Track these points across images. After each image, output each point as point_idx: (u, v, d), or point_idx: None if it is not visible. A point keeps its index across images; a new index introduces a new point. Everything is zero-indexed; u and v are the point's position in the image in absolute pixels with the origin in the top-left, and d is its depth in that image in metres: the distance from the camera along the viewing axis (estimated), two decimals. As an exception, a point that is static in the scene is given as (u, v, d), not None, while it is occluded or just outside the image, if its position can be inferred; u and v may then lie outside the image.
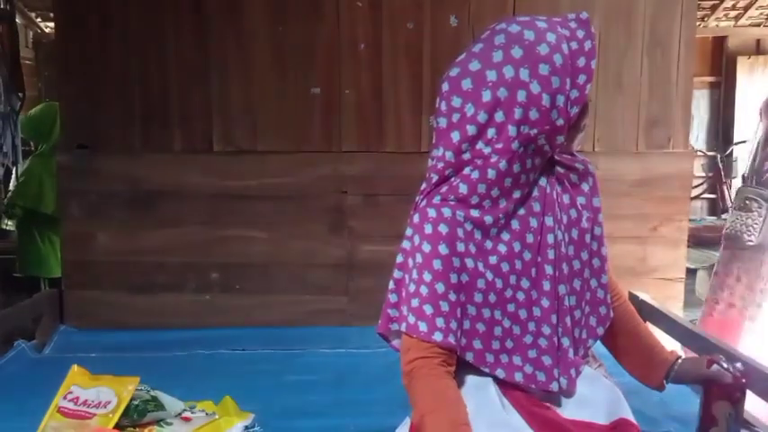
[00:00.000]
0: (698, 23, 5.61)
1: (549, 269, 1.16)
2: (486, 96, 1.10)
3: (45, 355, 2.18)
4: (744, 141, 6.62)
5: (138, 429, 1.49)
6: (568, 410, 1.16)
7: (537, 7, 2.34)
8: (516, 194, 1.14)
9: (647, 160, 2.41)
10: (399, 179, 2.38)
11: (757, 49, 6.91)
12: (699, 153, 6.74)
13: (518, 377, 1.15)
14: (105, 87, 2.38)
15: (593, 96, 2.38)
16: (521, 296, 1.15)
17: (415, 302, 1.12)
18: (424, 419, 1.05)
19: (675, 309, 2.39)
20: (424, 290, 1.11)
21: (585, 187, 1.26)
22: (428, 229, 1.12)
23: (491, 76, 1.10)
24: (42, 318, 2.34)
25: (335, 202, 2.40)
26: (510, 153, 1.10)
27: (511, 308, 1.15)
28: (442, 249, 1.10)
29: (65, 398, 1.49)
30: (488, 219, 1.13)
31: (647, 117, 2.41)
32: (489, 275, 1.13)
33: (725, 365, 1.26)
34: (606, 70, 2.38)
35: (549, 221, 1.17)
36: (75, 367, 1.57)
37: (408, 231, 1.17)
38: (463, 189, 1.12)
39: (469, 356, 1.13)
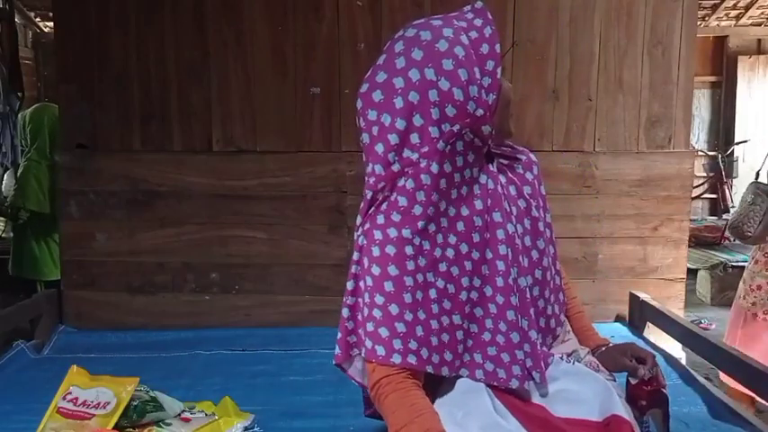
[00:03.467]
0: (699, 23, 5.60)
1: (501, 265, 1.16)
2: (399, 103, 1.09)
3: (44, 356, 2.18)
4: (745, 141, 6.62)
5: (137, 430, 1.49)
6: (561, 409, 1.16)
7: (537, 7, 2.34)
8: (454, 194, 1.13)
9: (647, 160, 2.40)
10: (399, 179, 2.37)
11: (758, 49, 6.90)
12: (699, 153, 6.73)
13: (479, 374, 1.16)
14: (105, 87, 2.38)
15: (593, 96, 2.38)
16: (474, 295, 1.16)
17: (370, 327, 1.11)
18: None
19: (676, 309, 2.38)
20: (377, 313, 1.10)
21: (530, 176, 1.27)
22: (376, 251, 1.11)
23: (398, 83, 1.09)
24: (42, 318, 2.34)
25: (335, 202, 2.40)
26: (438, 154, 1.09)
27: (467, 309, 1.15)
28: (392, 271, 1.10)
29: (64, 398, 1.49)
30: (432, 227, 1.12)
31: (648, 117, 2.40)
32: (440, 283, 1.13)
33: (642, 369, 1.22)
34: (607, 70, 2.37)
35: (497, 217, 1.17)
36: (74, 368, 1.57)
37: (355, 255, 1.17)
38: (403, 202, 1.11)
39: (444, 371, 1.13)
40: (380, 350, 1.09)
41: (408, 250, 1.10)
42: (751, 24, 6.99)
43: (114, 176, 2.40)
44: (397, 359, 1.08)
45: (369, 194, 1.16)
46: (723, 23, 7.07)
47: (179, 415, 1.57)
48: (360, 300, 1.15)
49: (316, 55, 2.36)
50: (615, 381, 1.26)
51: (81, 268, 2.43)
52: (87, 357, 2.03)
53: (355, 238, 1.18)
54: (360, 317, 1.15)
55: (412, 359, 1.09)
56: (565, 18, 2.35)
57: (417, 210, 1.11)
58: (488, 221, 1.16)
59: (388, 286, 1.10)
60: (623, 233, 2.41)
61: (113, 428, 1.44)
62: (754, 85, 6.82)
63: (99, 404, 1.47)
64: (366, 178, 1.17)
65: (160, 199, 2.40)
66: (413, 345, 1.09)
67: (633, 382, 1.24)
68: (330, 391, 1.84)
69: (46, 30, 6.02)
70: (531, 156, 1.30)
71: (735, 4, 6.61)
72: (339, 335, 1.18)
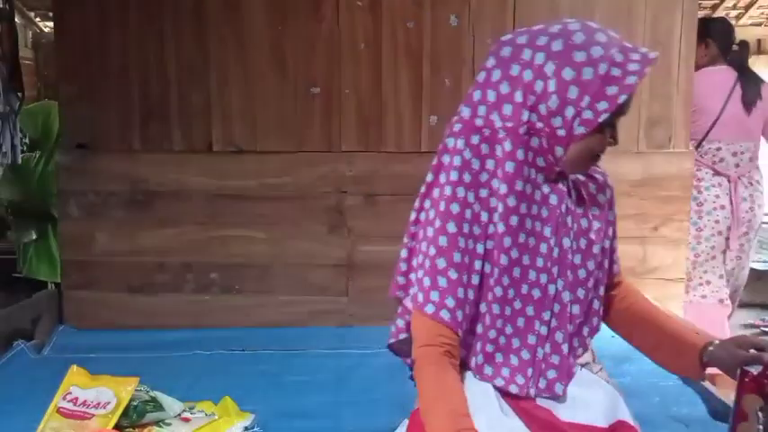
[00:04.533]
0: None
1: (543, 276, 1.16)
2: (515, 71, 1.10)
3: (44, 356, 2.18)
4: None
5: (137, 430, 1.49)
6: (567, 413, 1.15)
7: (536, 7, 2.34)
8: (518, 186, 1.12)
9: (647, 160, 2.40)
10: (399, 179, 2.38)
11: (758, 49, 6.89)
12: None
13: (488, 371, 1.16)
14: (104, 87, 2.38)
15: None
16: (498, 291, 1.15)
17: (419, 274, 1.14)
18: (426, 408, 1.08)
19: (675, 309, 2.38)
20: (426, 263, 1.13)
21: (602, 199, 1.25)
22: (442, 206, 1.12)
23: (526, 54, 1.10)
24: (42, 318, 2.34)
25: (335, 202, 2.40)
26: (516, 135, 1.09)
27: (490, 297, 1.15)
28: (450, 228, 1.11)
29: (64, 398, 1.49)
30: (493, 201, 1.12)
31: (648, 117, 2.40)
32: (487, 268, 1.14)
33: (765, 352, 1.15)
34: (606, 70, 2.37)
35: (546, 231, 1.16)
36: (74, 367, 1.57)
37: (427, 203, 1.17)
38: (476, 165, 1.12)
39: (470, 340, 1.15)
40: (420, 297, 1.12)
41: (467, 214, 1.12)
42: (751, 24, 6.98)
43: (114, 176, 2.40)
44: (430, 309, 1.10)
45: (450, 141, 1.15)
46: (723, 23, 7.06)
47: (179, 415, 1.57)
48: (417, 245, 1.17)
49: (316, 55, 2.36)
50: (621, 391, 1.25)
51: (81, 268, 2.43)
52: (87, 357, 2.02)
53: (429, 184, 1.18)
54: (414, 262, 1.17)
55: (445, 315, 1.10)
56: (565, 18, 2.34)
57: (484, 177, 1.12)
58: (539, 232, 1.15)
59: (442, 241, 1.11)
60: (623, 233, 2.36)
61: (113, 428, 1.44)
62: (753, 85, 6.80)
63: (99, 404, 1.47)
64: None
65: (160, 199, 2.40)
66: (449, 302, 1.10)
67: (755, 372, 1.15)
68: (330, 391, 1.85)
69: (46, 30, 6.01)
70: (608, 179, 1.28)
71: (735, 5, 6.60)
72: (398, 272, 1.22)
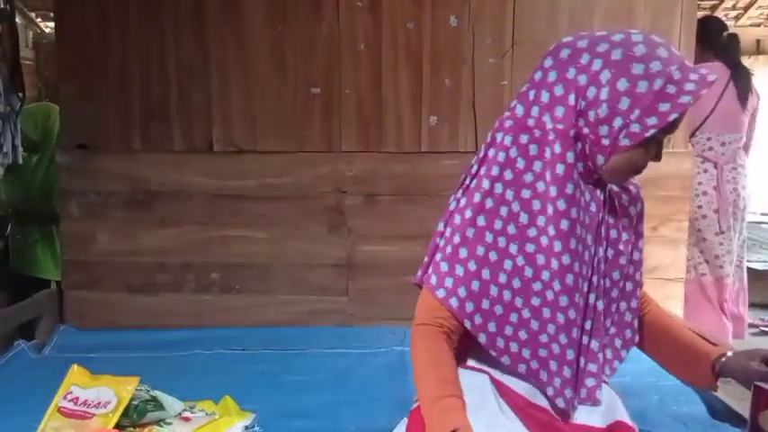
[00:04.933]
0: (698, 23, 5.60)
1: (584, 284, 1.16)
2: (570, 74, 1.10)
3: (45, 356, 2.18)
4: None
5: (137, 429, 1.49)
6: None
7: (536, 7, 2.34)
8: (568, 189, 1.11)
9: (647, 160, 2.40)
10: (399, 179, 2.38)
11: (758, 49, 6.90)
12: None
13: (521, 368, 1.15)
14: (105, 87, 2.38)
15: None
16: (549, 295, 1.13)
17: (438, 256, 1.15)
18: (416, 378, 1.10)
19: (675, 309, 2.38)
20: (449, 249, 1.13)
21: (632, 211, 1.24)
22: (477, 197, 1.13)
23: (584, 59, 1.09)
24: (42, 318, 2.34)
25: (335, 202, 2.40)
26: (566, 138, 1.09)
27: (535, 302, 1.13)
28: (480, 221, 1.12)
29: (64, 398, 1.49)
30: (536, 204, 1.11)
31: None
32: (520, 261, 1.12)
33: None
34: (606, 70, 2.37)
35: (588, 239, 1.16)
36: (74, 367, 1.57)
37: (459, 192, 1.19)
38: (520, 164, 1.11)
39: (482, 338, 1.13)
40: (434, 279, 1.13)
41: (503, 211, 1.11)
42: (750, 25, 6.99)
43: (114, 176, 2.40)
44: (440, 294, 1.11)
45: (499, 136, 1.16)
46: (723, 24, 7.06)
47: (179, 414, 1.57)
48: (437, 229, 1.19)
49: (316, 55, 2.36)
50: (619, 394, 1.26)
51: (81, 268, 2.43)
52: (87, 357, 2.02)
53: (470, 174, 1.18)
54: (437, 247, 1.19)
55: (454, 302, 1.11)
56: (565, 18, 2.35)
57: (528, 177, 1.11)
58: (581, 235, 1.14)
59: (469, 232, 1.12)
60: (623, 233, 2.41)
61: (114, 428, 1.44)
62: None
63: (99, 404, 1.47)
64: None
65: (160, 199, 2.40)
66: (462, 292, 1.11)
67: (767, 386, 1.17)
68: (330, 391, 1.85)
69: (47, 30, 6.02)
70: (640, 192, 1.27)
71: (734, 5, 6.61)
72: (425, 258, 1.21)
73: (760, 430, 1.19)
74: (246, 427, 1.58)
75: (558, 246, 1.11)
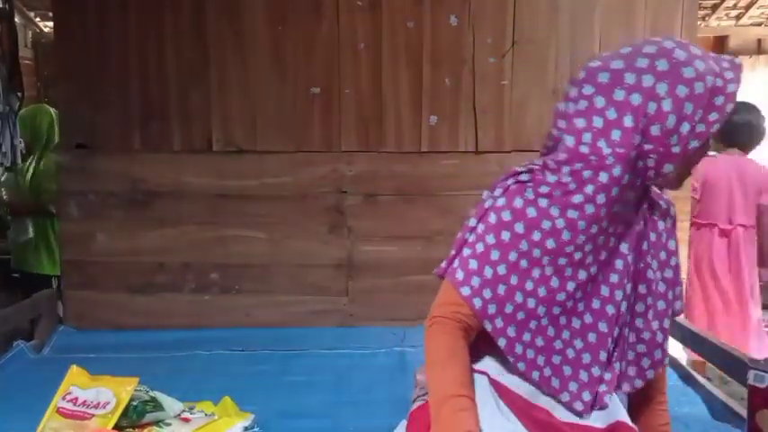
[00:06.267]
0: (699, 23, 5.59)
1: (605, 290, 1.17)
2: (619, 96, 1.08)
3: (44, 356, 2.18)
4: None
5: (137, 430, 1.49)
6: (565, 413, 1.16)
7: (536, 7, 2.34)
8: (615, 209, 1.12)
9: (647, 160, 2.40)
10: (399, 179, 2.38)
11: (758, 49, 6.89)
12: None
13: (535, 375, 1.15)
14: (104, 87, 2.38)
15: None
16: (570, 304, 1.15)
17: (466, 252, 1.14)
18: (431, 371, 1.10)
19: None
20: (480, 247, 1.13)
21: (661, 225, 1.24)
22: (518, 203, 1.12)
23: (629, 78, 1.08)
24: (41, 318, 2.34)
25: (335, 202, 2.40)
26: (626, 161, 1.08)
27: (555, 310, 1.14)
28: (518, 228, 1.11)
29: (64, 398, 1.49)
30: (581, 224, 1.11)
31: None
32: (549, 271, 1.12)
33: (763, 370, 1.20)
34: (606, 70, 2.37)
35: (623, 248, 1.16)
36: (74, 368, 1.57)
37: (497, 191, 1.16)
38: (572, 186, 1.10)
39: (501, 342, 1.13)
40: (459, 275, 1.13)
41: (545, 224, 1.11)
42: (751, 24, 6.98)
43: (114, 176, 2.40)
44: (465, 291, 1.11)
45: (551, 163, 1.13)
46: (723, 23, 7.06)
47: (179, 415, 1.57)
48: (467, 223, 1.18)
49: (316, 55, 2.36)
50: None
51: (81, 268, 2.43)
52: (87, 357, 2.02)
53: (513, 175, 1.17)
54: (465, 242, 1.18)
55: (477, 303, 1.11)
56: (565, 18, 2.35)
57: (578, 198, 1.10)
58: (617, 248, 1.15)
59: (505, 236, 1.11)
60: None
61: (113, 428, 1.44)
62: (754, 85, 6.81)
63: (99, 404, 1.47)
64: (549, 141, 1.17)
65: (160, 199, 2.40)
66: (487, 293, 1.11)
67: (764, 386, 1.19)
68: (330, 391, 1.85)
69: (46, 30, 6.00)
70: (672, 209, 1.28)
71: (735, 4, 6.61)
72: (452, 251, 1.20)
73: (758, 430, 1.19)
74: (246, 428, 1.57)
75: (590, 258, 1.13)
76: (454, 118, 2.38)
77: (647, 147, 1.08)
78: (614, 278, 1.16)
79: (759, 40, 6.91)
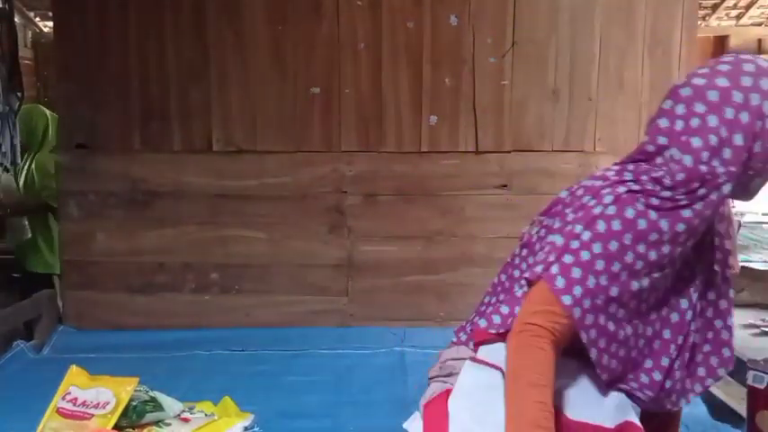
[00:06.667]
0: (699, 23, 5.60)
1: (684, 303, 1.20)
2: (729, 114, 1.10)
3: (44, 356, 2.18)
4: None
5: (136, 430, 1.49)
6: (576, 412, 1.15)
7: (537, 7, 2.34)
8: (713, 222, 1.16)
9: (647, 160, 2.40)
10: (399, 179, 2.38)
11: (759, 49, 6.88)
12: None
13: (604, 377, 1.17)
14: (104, 87, 2.38)
15: (593, 96, 2.38)
16: (653, 315, 1.18)
17: (568, 259, 1.11)
18: (516, 384, 1.08)
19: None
20: (585, 255, 1.10)
21: (722, 228, 1.26)
22: (629, 213, 1.11)
23: (737, 97, 1.10)
24: (41, 318, 2.34)
25: (335, 202, 2.39)
26: (736, 179, 1.10)
27: (635, 320, 1.17)
28: (626, 239, 1.10)
29: (63, 398, 1.49)
30: (683, 237, 1.13)
31: (649, 117, 2.39)
32: (645, 283, 1.13)
33: (762, 371, 1.23)
34: (607, 70, 2.37)
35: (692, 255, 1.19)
36: (73, 368, 1.57)
37: (607, 198, 1.14)
38: (683, 201, 1.11)
39: (593, 353, 1.13)
40: (560, 283, 1.10)
41: (652, 237, 1.11)
42: (751, 24, 6.98)
43: (114, 176, 2.40)
44: (567, 300, 1.09)
45: (667, 181, 1.13)
46: (724, 23, 7.06)
47: (178, 415, 1.57)
48: (572, 228, 1.14)
49: (316, 55, 2.36)
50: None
51: (81, 268, 2.43)
52: (87, 357, 2.02)
53: (621, 181, 1.16)
54: (561, 245, 1.15)
55: (577, 312, 1.09)
56: (565, 18, 2.35)
57: (687, 213, 1.11)
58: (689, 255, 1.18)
59: (612, 246, 1.10)
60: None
61: (113, 428, 1.44)
62: (754, 85, 6.81)
63: (98, 404, 1.47)
64: (659, 158, 1.16)
65: (160, 199, 2.40)
66: (586, 303, 1.10)
67: (762, 386, 1.22)
68: (330, 391, 1.85)
69: (45, 30, 6.00)
70: (732, 213, 1.31)
71: (735, 4, 6.61)
72: (550, 256, 1.17)
73: (758, 430, 1.20)
74: (246, 428, 1.58)
75: (669, 269, 1.15)
76: (454, 118, 2.38)
77: (752, 164, 1.11)
78: (680, 285, 1.19)
79: (759, 40, 6.91)
